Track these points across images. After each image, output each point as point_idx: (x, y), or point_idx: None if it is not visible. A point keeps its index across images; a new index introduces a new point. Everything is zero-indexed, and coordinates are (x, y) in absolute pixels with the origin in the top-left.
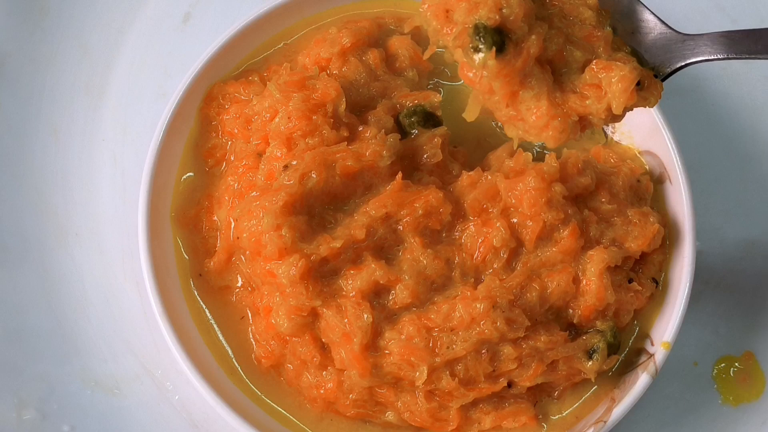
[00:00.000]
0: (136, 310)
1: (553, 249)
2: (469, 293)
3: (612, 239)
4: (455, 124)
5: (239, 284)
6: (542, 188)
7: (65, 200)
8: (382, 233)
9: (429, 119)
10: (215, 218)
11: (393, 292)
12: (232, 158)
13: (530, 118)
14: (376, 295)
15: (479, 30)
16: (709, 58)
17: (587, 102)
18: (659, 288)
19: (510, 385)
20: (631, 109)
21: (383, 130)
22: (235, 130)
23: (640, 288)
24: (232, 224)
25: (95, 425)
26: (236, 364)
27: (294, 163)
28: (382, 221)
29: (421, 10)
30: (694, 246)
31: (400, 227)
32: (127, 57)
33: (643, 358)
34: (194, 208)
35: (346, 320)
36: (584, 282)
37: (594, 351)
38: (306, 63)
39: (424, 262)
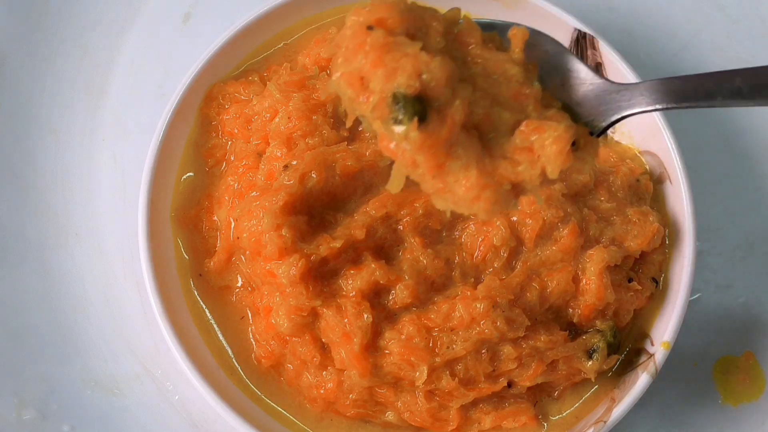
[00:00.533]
0: (136, 310)
1: (553, 248)
2: (469, 293)
3: (611, 238)
4: None
5: (239, 284)
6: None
7: (65, 200)
8: (382, 233)
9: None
10: (215, 218)
11: (393, 292)
12: (232, 158)
13: (459, 190)
14: (376, 295)
15: (398, 100)
16: (647, 109)
17: (519, 168)
18: (659, 288)
19: (510, 385)
20: (566, 172)
21: None
22: (235, 130)
23: (639, 287)
24: (232, 224)
25: (95, 425)
26: (236, 364)
27: (294, 163)
28: (382, 221)
29: (333, 78)
30: (694, 246)
31: (400, 227)
32: (127, 57)
33: (643, 358)
34: (194, 208)
35: (346, 320)
36: (584, 281)
37: (594, 351)
38: (306, 63)
39: (424, 261)
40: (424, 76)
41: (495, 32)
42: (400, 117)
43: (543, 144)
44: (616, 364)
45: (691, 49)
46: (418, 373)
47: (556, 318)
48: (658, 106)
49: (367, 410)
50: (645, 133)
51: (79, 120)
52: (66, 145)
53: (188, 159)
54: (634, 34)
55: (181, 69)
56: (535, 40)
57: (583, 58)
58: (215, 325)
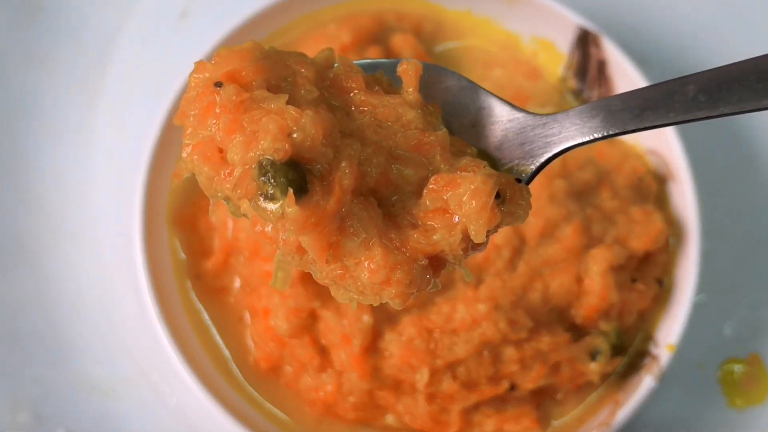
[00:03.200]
0: (133, 312)
1: (556, 246)
2: (470, 294)
3: (615, 238)
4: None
5: (237, 285)
6: (544, 183)
7: (60, 201)
8: None
9: None
10: (212, 219)
11: None
12: None
13: (362, 274)
14: None
15: (266, 169)
16: (582, 141)
17: (435, 237)
18: (663, 288)
19: (512, 387)
20: (496, 231)
21: None
22: None
23: (643, 288)
24: (230, 225)
25: (90, 428)
26: (234, 367)
27: None
28: None
29: (184, 155)
30: (699, 246)
31: None
32: (122, 55)
33: (648, 360)
34: (191, 208)
35: (345, 322)
36: (587, 281)
37: (597, 352)
38: None
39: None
40: (295, 135)
41: (379, 72)
42: (271, 190)
43: (460, 202)
44: (619, 366)
45: (696, 46)
46: (419, 376)
47: (559, 319)
48: (596, 135)
49: (366, 413)
50: (649, 132)
51: (75, 119)
52: (61, 144)
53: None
54: (639, 31)
55: (178, 66)
56: (433, 76)
57: (586, 55)
58: (212, 327)
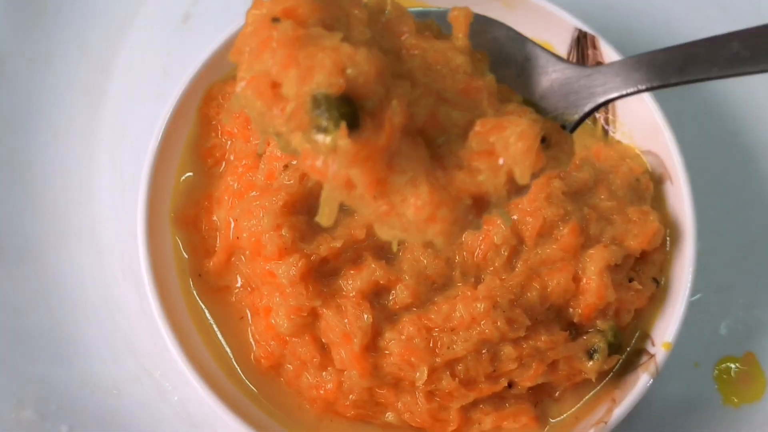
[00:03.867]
0: (136, 311)
1: (554, 246)
2: (469, 293)
3: (612, 237)
4: None
5: (239, 284)
6: (541, 183)
7: (65, 200)
8: None
9: None
10: (215, 218)
11: (393, 292)
12: (232, 158)
13: (408, 211)
14: (376, 295)
15: (319, 102)
16: (627, 92)
17: (480, 177)
18: (660, 287)
19: (510, 385)
20: (539, 176)
21: None
22: (235, 130)
23: (640, 287)
24: (232, 224)
25: (94, 426)
26: (235, 365)
27: (294, 162)
28: None
29: (237, 90)
30: (695, 246)
31: None
32: (126, 57)
33: (644, 358)
34: (194, 208)
35: (346, 320)
36: (585, 280)
37: (595, 351)
38: None
39: (425, 261)
40: (349, 71)
41: (431, 19)
42: (324, 123)
43: (506, 144)
44: (616, 364)
45: None
46: (418, 374)
47: (557, 318)
48: (640, 87)
49: (366, 411)
50: (646, 132)
51: (79, 120)
52: (65, 145)
53: (187, 159)
54: (635, 33)
55: (180, 69)
56: (482, 26)
57: (583, 57)
58: (215, 326)
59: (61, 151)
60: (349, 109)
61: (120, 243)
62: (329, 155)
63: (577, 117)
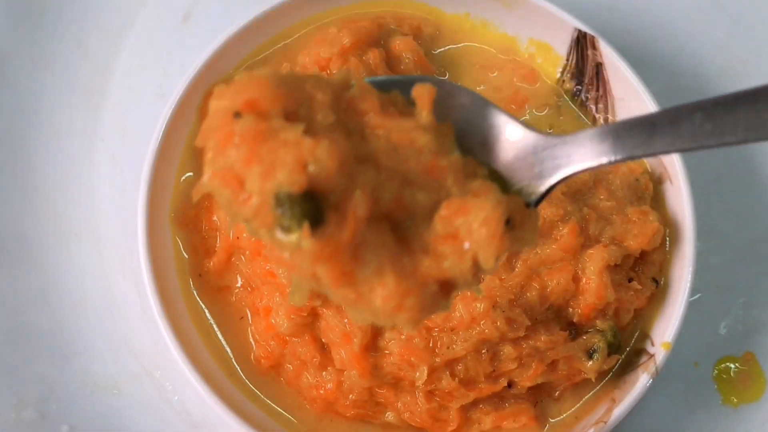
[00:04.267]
0: (136, 311)
1: (553, 246)
2: (469, 293)
3: (611, 237)
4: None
5: (239, 284)
6: None
7: (65, 200)
8: None
9: None
10: (215, 218)
11: None
12: None
13: (375, 300)
14: None
15: (282, 201)
16: (591, 165)
17: (446, 264)
18: (659, 287)
19: (510, 385)
20: (503, 260)
21: None
22: None
23: (640, 287)
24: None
25: (94, 425)
26: (236, 365)
27: None
28: None
29: (204, 179)
30: (694, 246)
31: None
32: (126, 57)
33: (644, 358)
34: (194, 208)
35: (346, 320)
36: (584, 280)
37: (594, 351)
38: (306, 63)
39: None
40: (311, 168)
41: (396, 91)
42: (287, 223)
43: (470, 228)
44: (616, 364)
45: (691, 49)
46: (418, 374)
47: (557, 318)
48: (603, 161)
49: (366, 411)
50: None
51: (79, 120)
52: (65, 145)
53: (188, 159)
54: (635, 33)
55: (180, 69)
56: (448, 92)
57: (583, 58)
58: (215, 326)
59: (61, 151)
60: (311, 206)
61: (120, 243)
62: (294, 252)
63: (542, 189)
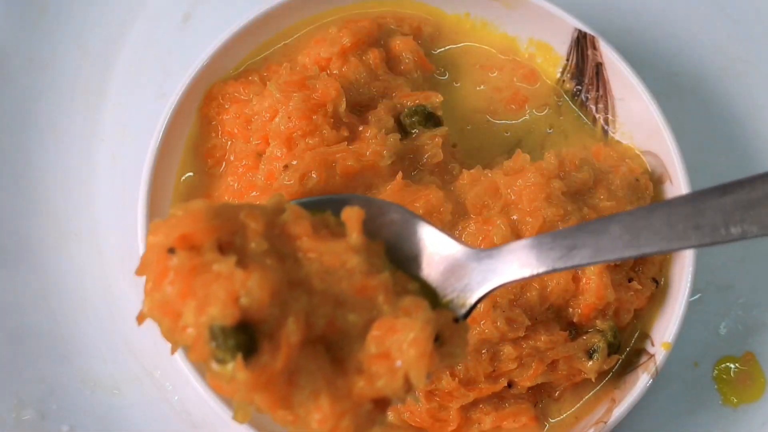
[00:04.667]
0: (136, 311)
1: None
2: None
3: None
4: (454, 123)
5: None
6: (541, 183)
7: (65, 200)
8: None
9: (430, 119)
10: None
11: None
12: (232, 158)
13: (312, 422)
14: None
15: (216, 334)
16: (515, 278)
17: (379, 383)
18: (659, 287)
19: (510, 385)
20: (433, 376)
21: (384, 130)
22: (235, 130)
23: (640, 287)
24: None
25: (94, 425)
26: None
27: (294, 163)
28: None
29: (144, 309)
30: None
31: None
32: (126, 57)
33: (644, 358)
34: None
35: None
36: (584, 280)
37: (594, 351)
38: (306, 63)
39: None
40: (243, 300)
41: (327, 213)
42: (221, 356)
43: (400, 348)
44: (616, 364)
45: (691, 49)
46: None
47: (557, 318)
48: (525, 275)
49: None
50: (646, 133)
51: (79, 120)
52: (65, 145)
53: (188, 159)
54: (635, 33)
55: (180, 69)
56: (378, 209)
57: (583, 58)
58: None
59: (61, 151)
60: (245, 337)
61: (120, 243)
62: (230, 382)
63: (471, 302)
